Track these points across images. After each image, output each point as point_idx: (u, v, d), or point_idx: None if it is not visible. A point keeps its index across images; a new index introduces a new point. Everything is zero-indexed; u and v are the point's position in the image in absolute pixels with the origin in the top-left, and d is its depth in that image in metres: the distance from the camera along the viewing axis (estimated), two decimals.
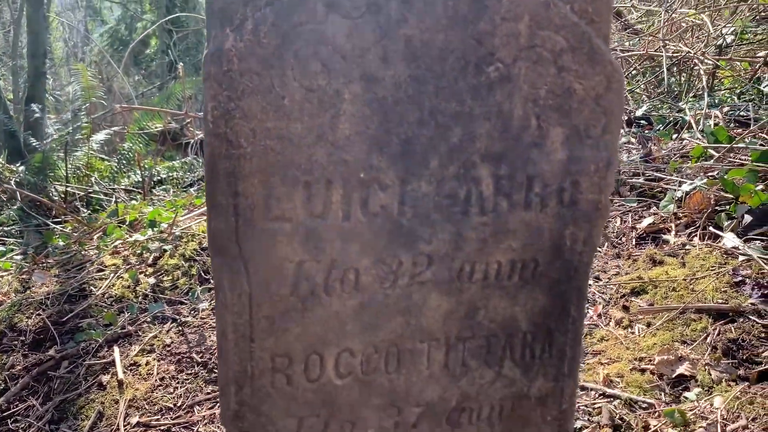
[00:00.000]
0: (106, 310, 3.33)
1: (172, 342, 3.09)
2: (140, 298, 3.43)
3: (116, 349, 3.03)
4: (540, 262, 1.04)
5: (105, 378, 2.89)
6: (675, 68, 5.48)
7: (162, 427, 2.60)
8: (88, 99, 6.56)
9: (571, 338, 1.09)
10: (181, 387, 2.83)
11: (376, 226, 0.94)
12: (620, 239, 3.24)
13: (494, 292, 1.03)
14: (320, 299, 0.95)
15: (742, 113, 4.27)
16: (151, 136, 6.57)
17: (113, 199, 5.84)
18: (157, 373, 2.89)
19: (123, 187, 6.72)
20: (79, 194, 6.28)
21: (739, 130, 3.91)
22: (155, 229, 3.93)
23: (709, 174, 3.38)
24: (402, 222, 0.96)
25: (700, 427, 1.94)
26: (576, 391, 1.15)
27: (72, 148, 7.37)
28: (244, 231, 0.90)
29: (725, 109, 4.43)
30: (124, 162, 7.06)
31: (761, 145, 3.50)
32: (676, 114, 4.78)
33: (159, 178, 7.02)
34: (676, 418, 1.88)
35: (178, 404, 2.73)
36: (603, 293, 2.77)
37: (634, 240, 3.19)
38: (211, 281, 3.31)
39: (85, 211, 5.85)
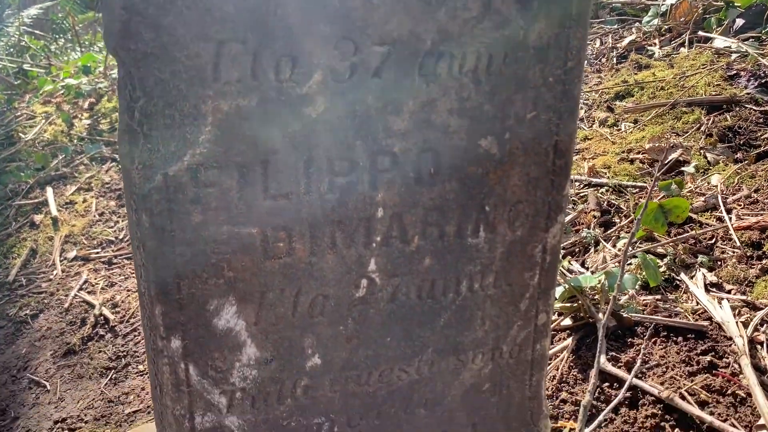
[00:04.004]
0: (37, 154, 2.99)
1: (111, 180, 2.79)
2: (75, 141, 3.09)
3: (49, 189, 2.73)
4: None
5: (38, 217, 2.60)
6: None
7: (102, 259, 2.35)
8: None
9: None
10: (122, 221, 2.56)
11: None
12: (600, 60, 2.98)
13: None
14: None
15: None
16: (88, 3, 5.98)
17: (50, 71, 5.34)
18: (96, 209, 2.61)
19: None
20: (13, 69, 5.75)
21: None
22: (90, 75, 3.53)
23: None
24: None
25: (698, 201, 1.75)
26: (586, 41, 0.90)
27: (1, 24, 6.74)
28: None
29: None
30: (60, 35, 6.47)
31: None
32: None
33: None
34: (672, 190, 1.68)
35: (120, 237, 2.46)
36: (585, 100, 2.53)
37: (615, 59, 2.93)
38: None
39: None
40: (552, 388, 1.31)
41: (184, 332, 0.82)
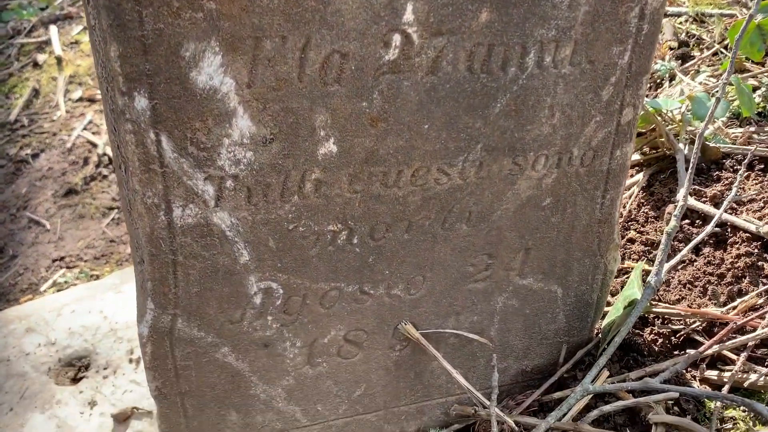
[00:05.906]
0: None
1: None
2: None
3: (53, 28, 2.49)
4: None
5: (41, 57, 2.39)
6: None
7: None
8: None
9: None
10: None
11: None
12: None
13: None
14: None
15: None
16: None
17: None
18: None
19: None
20: None
21: None
22: None
23: None
24: None
25: None
26: None
27: None
28: None
29: None
30: None
31: None
32: None
33: None
34: None
35: None
36: None
37: None
38: None
39: None
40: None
41: (152, 87, 0.61)
